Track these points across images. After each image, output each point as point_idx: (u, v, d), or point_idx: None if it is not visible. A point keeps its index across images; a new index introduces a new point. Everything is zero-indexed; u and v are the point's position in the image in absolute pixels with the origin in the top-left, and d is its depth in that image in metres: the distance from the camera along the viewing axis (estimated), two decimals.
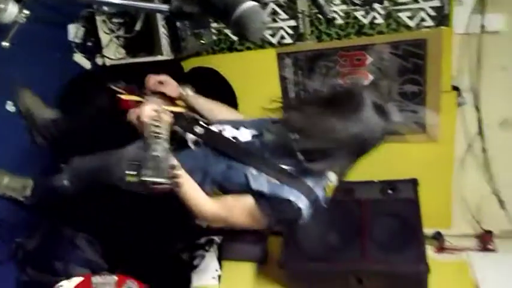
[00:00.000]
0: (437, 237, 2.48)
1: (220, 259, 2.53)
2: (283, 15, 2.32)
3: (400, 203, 2.26)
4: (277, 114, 1.52)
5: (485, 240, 2.46)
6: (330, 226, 2.24)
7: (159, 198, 2.28)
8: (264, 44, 2.40)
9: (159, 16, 2.13)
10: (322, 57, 2.35)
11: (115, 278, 1.50)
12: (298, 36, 2.34)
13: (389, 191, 2.32)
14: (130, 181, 1.05)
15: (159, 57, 2.09)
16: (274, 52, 2.41)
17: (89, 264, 1.89)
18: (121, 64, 2.19)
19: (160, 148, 1.09)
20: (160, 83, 1.64)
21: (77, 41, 2.23)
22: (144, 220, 2.23)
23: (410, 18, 2.16)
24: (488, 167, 2.38)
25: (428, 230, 2.40)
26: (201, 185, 1.41)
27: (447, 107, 2.29)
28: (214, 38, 2.43)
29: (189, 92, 1.68)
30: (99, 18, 2.14)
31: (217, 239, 2.58)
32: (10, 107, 1.93)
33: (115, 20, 2.16)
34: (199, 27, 2.27)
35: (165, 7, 1.21)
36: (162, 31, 2.10)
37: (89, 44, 2.25)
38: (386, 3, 2.16)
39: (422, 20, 2.15)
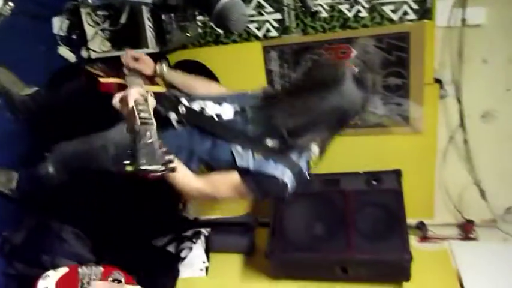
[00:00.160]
0: (421, 227, 2.53)
1: (207, 251, 2.56)
2: (269, 9, 2.33)
3: (384, 194, 2.30)
4: (259, 89, 1.55)
5: (467, 230, 2.52)
6: (315, 217, 2.29)
7: (145, 189, 2.30)
8: (249, 37, 2.41)
9: (144, 9, 2.13)
10: (308, 50, 2.37)
11: (101, 268, 1.51)
12: (283, 29, 2.36)
13: (374, 182, 2.35)
14: (128, 171, 1.06)
15: (144, 50, 2.09)
16: (260, 45, 2.42)
17: (76, 257, 1.89)
18: (106, 57, 2.18)
19: (151, 134, 1.09)
20: (136, 59, 1.65)
21: (62, 34, 2.21)
22: (130, 211, 2.25)
23: (393, 11, 2.19)
24: (470, 158, 2.43)
25: (411, 220, 2.45)
26: (187, 163, 1.44)
27: (430, 99, 2.33)
28: (200, 31, 2.43)
29: (165, 69, 1.69)
30: (83, 11, 2.12)
31: (204, 231, 2.60)
32: None
33: (100, 13, 2.15)
34: (185, 20, 2.27)
35: (148, 0, 1.23)
36: (148, 24, 2.09)
37: (74, 37, 2.23)
38: None
39: (406, 13, 2.18)
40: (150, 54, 2.09)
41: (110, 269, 1.55)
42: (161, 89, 1.62)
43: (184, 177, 1.40)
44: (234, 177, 1.39)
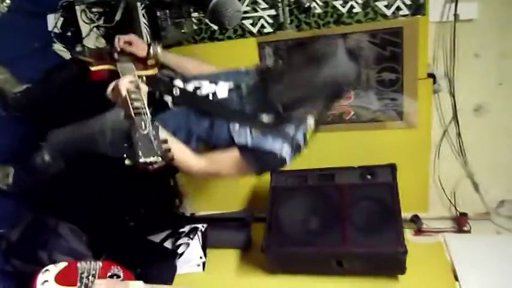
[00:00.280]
0: (415, 220, 2.56)
1: (204, 247, 2.56)
2: (263, 5, 2.34)
3: (379, 188, 2.31)
4: (253, 66, 1.58)
5: (460, 223, 2.55)
6: (311, 211, 2.31)
7: (142, 186, 2.31)
8: (244, 33, 2.42)
9: (139, 6, 2.13)
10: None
11: (100, 264, 1.53)
12: (278, 25, 2.37)
13: (369, 176, 2.37)
14: (127, 164, 1.06)
15: None
16: (254, 41, 2.43)
17: (73, 253, 1.90)
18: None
19: (146, 124, 1.09)
20: (129, 43, 1.66)
21: (57, 31, 2.21)
22: (126, 207, 2.26)
23: (387, 7, 2.20)
24: (463, 152, 2.46)
25: (406, 214, 2.48)
26: (186, 143, 1.46)
27: (423, 94, 2.35)
28: (195, 27, 2.44)
29: (158, 50, 1.70)
30: (78, 8, 2.13)
31: (201, 226, 2.62)
32: None
33: (95, 10, 2.16)
34: (180, 17, 2.28)
35: None
36: (143, 21, 2.10)
37: (69, 34, 2.24)
38: None
39: (399, 9, 2.20)
40: None
41: (109, 264, 1.56)
42: (154, 71, 1.62)
43: (185, 157, 1.42)
44: (234, 154, 1.41)
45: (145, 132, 1.07)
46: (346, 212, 2.23)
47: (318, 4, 2.27)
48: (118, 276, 1.57)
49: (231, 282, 2.42)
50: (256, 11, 2.36)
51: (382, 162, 2.39)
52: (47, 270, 1.48)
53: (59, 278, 1.45)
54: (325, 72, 1.33)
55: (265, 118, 1.42)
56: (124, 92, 1.24)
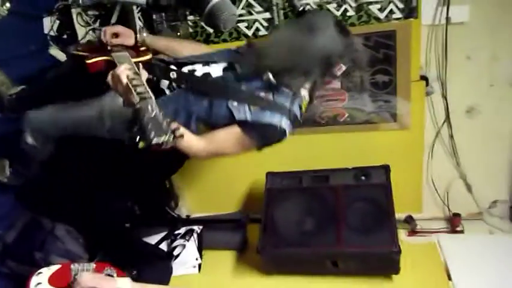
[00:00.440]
0: (409, 221, 2.58)
1: (200, 248, 2.57)
2: (258, 8, 2.36)
3: (373, 189, 2.33)
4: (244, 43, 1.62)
5: (454, 223, 2.57)
6: (306, 212, 2.32)
7: (139, 187, 2.31)
8: (239, 36, 2.44)
9: (135, 9, 2.15)
10: None
11: (93, 265, 1.54)
12: (273, 28, 2.39)
13: (363, 177, 2.38)
14: (140, 147, 1.09)
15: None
16: None
17: (69, 255, 1.91)
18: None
19: (153, 107, 1.11)
20: (115, 35, 1.67)
21: (53, 34, 2.23)
22: (122, 209, 2.26)
23: (380, 10, 2.24)
24: (456, 153, 2.49)
25: (400, 215, 2.50)
26: (187, 125, 1.49)
27: (416, 96, 2.38)
28: (191, 30, 2.45)
29: (144, 35, 1.72)
30: (74, 11, 2.15)
31: (196, 228, 2.62)
32: None
33: (90, 13, 2.18)
34: (176, 19, 2.30)
35: (143, 0, 1.27)
36: (138, 24, 2.12)
37: (65, 37, 2.25)
38: None
39: (392, 12, 2.23)
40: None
41: (102, 264, 1.57)
42: (148, 56, 1.63)
43: (188, 140, 1.44)
44: (235, 130, 1.46)
45: (152, 114, 1.10)
46: (340, 213, 2.25)
47: (312, 7, 2.29)
48: (111, 277, 1.57)
49: (226, 284, 2.42)
50: (251, 14, 2.38)
51: (376, 163, 2.41)
52: (40, 272, 1.48)
53: (53, 280, 1.45)
54: (313, 43, 1.38)
55: (262, 94, 1.47)
56: (125, 80, 1.26)
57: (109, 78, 1.33)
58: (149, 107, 1.11)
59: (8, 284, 1.91)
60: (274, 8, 2.34)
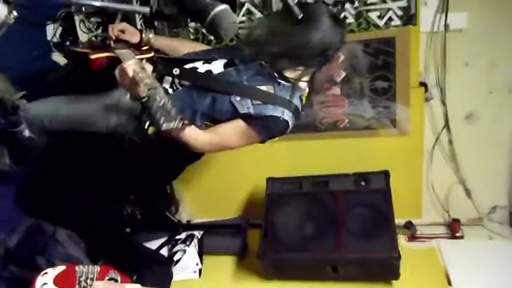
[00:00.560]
0: (409, 226, 2.58)
1: (200, 253, 2.58)
2: (259, 15, 2.38)
3: (372, 194, 2.34)
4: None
5: (453, 229, 2.58)
6: (306, 217, 2.33)
7: (139, 192, 2.32)
8: None
9: (137, 16, 2.18)
10: None
11: (98, 268, 1.55)
12: (268, 18, 2.37)
13: (363, 183, 2.39)
14: (150, 133, 1.16)
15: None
16: None
17: (71, 259, 1.91)
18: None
19: (161, 96, 1.15)
20: (122, 31, 1.71)
21: (56, 40, 2.26)
22: (123, 214, 2.27)
23: (379, 17, 2.25)
24: (455, 158, 2.50)
25: (400, 220, 2.50)
26: (193, 121, 1.53)
27: (416, 102, 2.39)
28: (192, 37, 2.47)
29: (149, 35, 1.77)
30: (77, 18, 2.18)
31: (197, 233, 2.63)
32: None
33: (93, 20, 2.20)
34: (177, 26, 2.32)
35: (146, 9, 1.30)
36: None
37: (68, 43, 2.28)
38: (356, 4, 2.24)
39: (391, 19, 2.25)
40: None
41: (107, 268, 1.58)
42: (151, 54, 1.67)
43: (193, 134, 1.49)
44: (240, 123, 1.50)
45: (161, 103, 1.14)
46: (340, 218, 2.26)
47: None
48: (116, 280, 1.59)
49: None
50: (251, 21, 2.40)
51: (375, 169, 2.42)
52: (45, 273, 1.50)
53: (58, 281, 1.47)
54: (313, 37, 1.42)
55: (264, 87, 1.51)
56: (131, 73, 1.31)
57: (116, 72, 1.37)
58: (157, 97, 1.15)
59: None
60: None
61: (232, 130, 1.52)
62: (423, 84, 2.38)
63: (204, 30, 2.45)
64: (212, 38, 2.45)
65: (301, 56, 1.48)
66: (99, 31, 2.22)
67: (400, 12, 2.22)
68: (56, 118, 1.74)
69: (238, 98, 1.50)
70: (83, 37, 2.22)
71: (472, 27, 2.22)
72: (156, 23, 2.15)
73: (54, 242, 1.94)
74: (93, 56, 1.55)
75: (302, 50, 1.46)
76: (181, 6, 1.19)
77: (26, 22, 1.97)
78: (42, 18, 2.20)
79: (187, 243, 2.57)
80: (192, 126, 1.48)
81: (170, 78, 1.60)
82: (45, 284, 1.47)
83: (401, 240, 2.52)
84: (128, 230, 2.44)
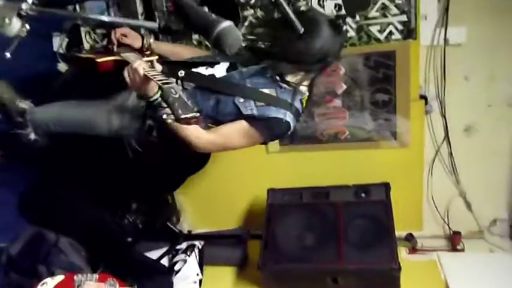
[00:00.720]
0: (410, 238, 2.58)
1: (201, 264, 2.58)
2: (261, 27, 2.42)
3: (373, 206, 2.35)
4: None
5: (454, 241, 2.58)
6: (306, 228, 2.34)
7: (140, 202, 2.34)
8: None
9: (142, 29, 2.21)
10: None
11: (96, 276, 1.56)
12: (269, 24, 2.41)
13: (363, 195, 2.41)
14: (168, 123, 1.23)
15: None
16: None
17: (72, 268, 1.92)
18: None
19: (175, 89, 1.20)
20: (124, 35, 1.74)
21: (61, 51, 2.30)
22: (124, 223, 2.28)
23: (379, 31, 2.29)
24: (455, 171, 2.52)
25: (401, 232, 2.50)
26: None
27: (416, 114, 2.42)
28: None
29: (151, 40, 1.80)
30: (83, 30, 2.21)
31: (198, 243, 2.64)
32: None
33: (99, 31, 2.24)
34: (181, 38, 2.36)
35: (154, 24, 1.35)
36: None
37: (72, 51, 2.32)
38: (357, 18, 2.28)
39: (391, 33, 2.28)
40: None
41: (105, 276, 1.59)
42: (155, 57, 1.69)
43: (195, 132, 1.52)
44: (243, 124, 1.53)
45: (177, 95, 1.18)
46: (341, 230, 2.26)
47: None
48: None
49: None
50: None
51: (376, 180, 2.44)
52: (45, 282, 1.51)
53: None
54: (314, 44, 1.47)
55: (266, 90, 1.55)
56: (142, 71, 1.35)
57: (125, 72, 1.41)
58: (172, 90, 1.19)
59: None
60: None
61: (235, 130, 1.55)
62: (423, 97, 2.41)
63: (207, 43, 2.50)
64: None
65: (302, 62, 1.53)
66: (105, 42, 2.25)
67: (400, 27, 2.26)
68: (60, 122, 1.78)
69: (241, 100, 1.53)
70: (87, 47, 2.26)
71: (471, 42, 2.25)
72: (160, 36, 2.18)
73: (57, 250, 1.95)
74: (99, 60, 1.57)
75: (303, 57, 1.50)
76: (187, 23, 1.23)
77: (34, 34, 2.00)
78: (49, 29, 2.24)
79: (188, 253, 2.57)
80: (195, 125, 1.51)
81: (174, 80, 1.63)
82: None
83: (402, 252, 2.53)
84: (129, 239, 2.45)
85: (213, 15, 1.22)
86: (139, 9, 2.17)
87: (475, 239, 2.59)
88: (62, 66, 2.30)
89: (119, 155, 1.82)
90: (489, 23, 2.20)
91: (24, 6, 1.16)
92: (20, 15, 1.16)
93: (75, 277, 1.52)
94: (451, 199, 2.59)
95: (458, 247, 2.57)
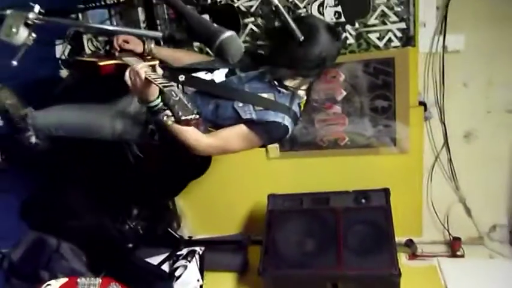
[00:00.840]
0: (410, 244, 2.59)
1: (202, 269, 2.58)
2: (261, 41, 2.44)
3: (373, 211, 2.36)
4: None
5: (454, 247, 2.58)
6: (306, 234, 2.34)
7: (141, 207, 2.34)
8: None
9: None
10: None
11: (99, 280, 1.57)
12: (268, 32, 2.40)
13: (363, 200, 2.42)
14: (168, 124, 1.25)
15: None
16: None
17: (73, 273, 1.93)
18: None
19: (176, 92, 1.22)
20: (126, 41, 1.76)
21: (64, 58, 2.32)
22: (125, 228, 2.29)
23: (379, 38, 2.30)
24: (455, 177, 2.53)
25: (401, 238, 2.51)
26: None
27: (415, 121, 2.44)
28: None
29: (152, 46, 1.83)
30: (85, 37, 2.24)
31: (199, 249, 2.64)
32: None
33: (101, 38, 2.27)
34: (182, 45, 2.38)
35: (158, 34, 1.37)
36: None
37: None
38: (357, 25, 2.30)
39: (390, 40, 2.30)
40: None
41: (108, 280, 1.60)
42: (156, 62, 1.72)
43: (195, 135, 1.54)
44: (242, 128, 1.56)
45: (177, 98, 1.20)
46: (341, 235, 2.27)
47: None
48: None
49: None
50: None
51: (376, 186, 2.45)
52: (48, 284, 1.52)
53: None
54: (312, 50, 1.50)
55: (265, 94, 1.58)
56: (143, 74, 1.37)
57: (127, 75, 1.43)
58: (173, 93, 1.21)
59: None
60: None
61: (235, 134, 1.57)
62: (422, 104, 2.42)
63: (208, 50, 2.51)
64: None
65: (300, 68, 1.56)
66: (107, 48, 2.27)
67: (399, 34, 2.28)
68: (62, 126, 1.80)
69: (240, 104, 1.56)
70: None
71: (469, 49, 2.27)
72: (162, 43, 2.20)
73: (58, 256, 1.96)
74: (101, 63, 1.59)
75: (302, 63, 1.54)
76: (190, 32, 1.25)
77: (38, 41, 2.03)
78: (52, 36, 2.26)
79: (189, 259, 2.58)
80: (196, 130, 1.54)
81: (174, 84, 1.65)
82: None
83: (402, 258, 2.53)
84: (130, 245, 2.46)
85: (215, 25, 1.24)
86: (141, 17, 2.20)
87: (475, 245, 2.60)
88: (65, 73, 2.32)
89: (120, 161, 1.84)
90: (487, 30, 2.22)
91: (31, 15, 1.18)
92: (27, 25, 1.18)
93: (78, 280, 1.53)
94: (451, 205, 2.59)
95: (458, 253, 2.57)
